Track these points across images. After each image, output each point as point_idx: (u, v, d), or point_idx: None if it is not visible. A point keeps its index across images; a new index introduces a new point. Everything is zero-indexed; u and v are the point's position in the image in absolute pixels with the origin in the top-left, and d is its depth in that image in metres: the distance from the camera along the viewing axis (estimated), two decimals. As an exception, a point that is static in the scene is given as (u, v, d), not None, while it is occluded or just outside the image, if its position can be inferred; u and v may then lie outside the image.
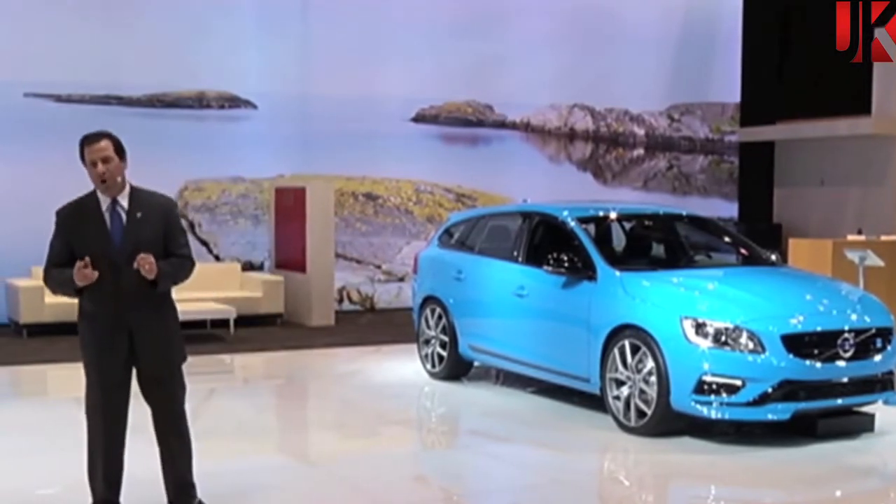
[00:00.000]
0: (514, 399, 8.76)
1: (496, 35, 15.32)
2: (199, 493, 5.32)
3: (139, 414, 5.19)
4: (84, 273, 4.74)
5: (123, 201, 4.97)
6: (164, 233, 5.03)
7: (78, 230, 4.93)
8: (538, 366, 8.37)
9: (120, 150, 4.94)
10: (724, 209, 17.31)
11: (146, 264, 4.80)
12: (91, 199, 4.98)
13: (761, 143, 17.32)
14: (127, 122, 12.37)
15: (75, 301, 5.07)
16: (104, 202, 4.95)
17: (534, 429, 7.78)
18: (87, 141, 4.91)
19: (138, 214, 4.96)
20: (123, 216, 4.95)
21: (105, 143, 4.88)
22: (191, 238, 13.25)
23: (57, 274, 4.95)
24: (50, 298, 11.49)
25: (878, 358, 7.16)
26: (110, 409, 5.04)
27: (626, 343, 7.32)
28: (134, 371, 5.08)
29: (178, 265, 5.05)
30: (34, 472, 6.46)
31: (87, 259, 4.75)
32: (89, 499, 5.18)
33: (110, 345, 4.95)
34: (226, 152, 13.92)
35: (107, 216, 4.94)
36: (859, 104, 15.47)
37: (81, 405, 5.14)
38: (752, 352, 6.85)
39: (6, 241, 12.42)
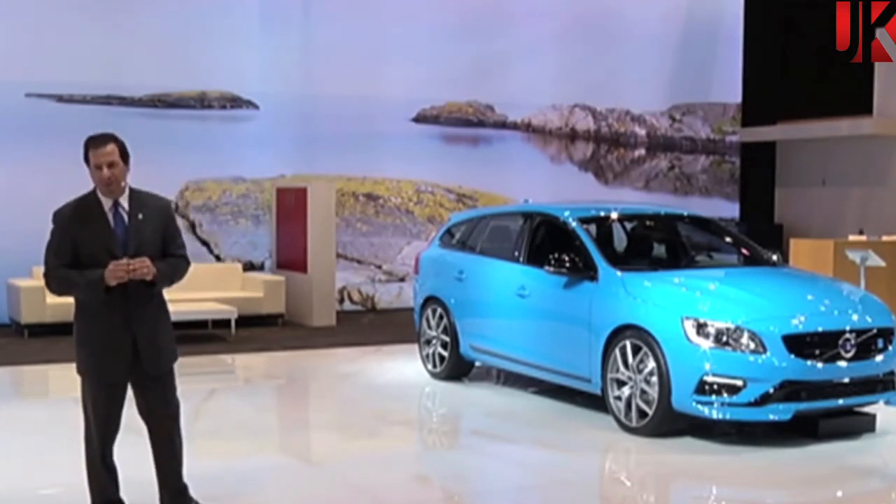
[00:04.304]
0: (516, 399, 8.76)
1: (497, 35, 15.30)
2: (201, 494, 5.32)
3: (135, 414, 5.17)
4: (119, 272, 4.76)
5: (125, 202, 4.99)
6: (163, 234, 5.08)
7: (81, 230, 4.92)
8: (539, 366, 8.37)
9: (125, 154, 4.96)
10: (726, 209, 17.30)
11: (143, 268, 4.83)
12: (92, 199, 4.98)
13: (763, 144, 17.32)
14: (128, 123, 12.38)
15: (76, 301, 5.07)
16: (106, 203, 4.96)
17: (535, 429, 7.78)
18: (93, 144, 4.91)
19: (140, 215, 4.99)
20: (126, 217, 4.97)
21: (111, 148, 4.89)
22: (192, 238, 13.40)
23: (74, 275, 4.89)
24: (51, 299, 11.46)
25: (879, 358, 7.16)
26: (111, 409, 5.04)
27: (628, 343, 7.32)
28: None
29: (175, 265, 5.11)
30: (35, 472, 6.47)
31: (128, 261, 4.79)
32: (89, 500, 5.18)
33: (115, 344, 4.96)
34: (227, 152, 13.93)
35: (110, 216, 4.96)
36: (860, 104, 15.47)
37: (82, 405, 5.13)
38: (753, 352, 6.84)
39: (7, 241, 12.41)
